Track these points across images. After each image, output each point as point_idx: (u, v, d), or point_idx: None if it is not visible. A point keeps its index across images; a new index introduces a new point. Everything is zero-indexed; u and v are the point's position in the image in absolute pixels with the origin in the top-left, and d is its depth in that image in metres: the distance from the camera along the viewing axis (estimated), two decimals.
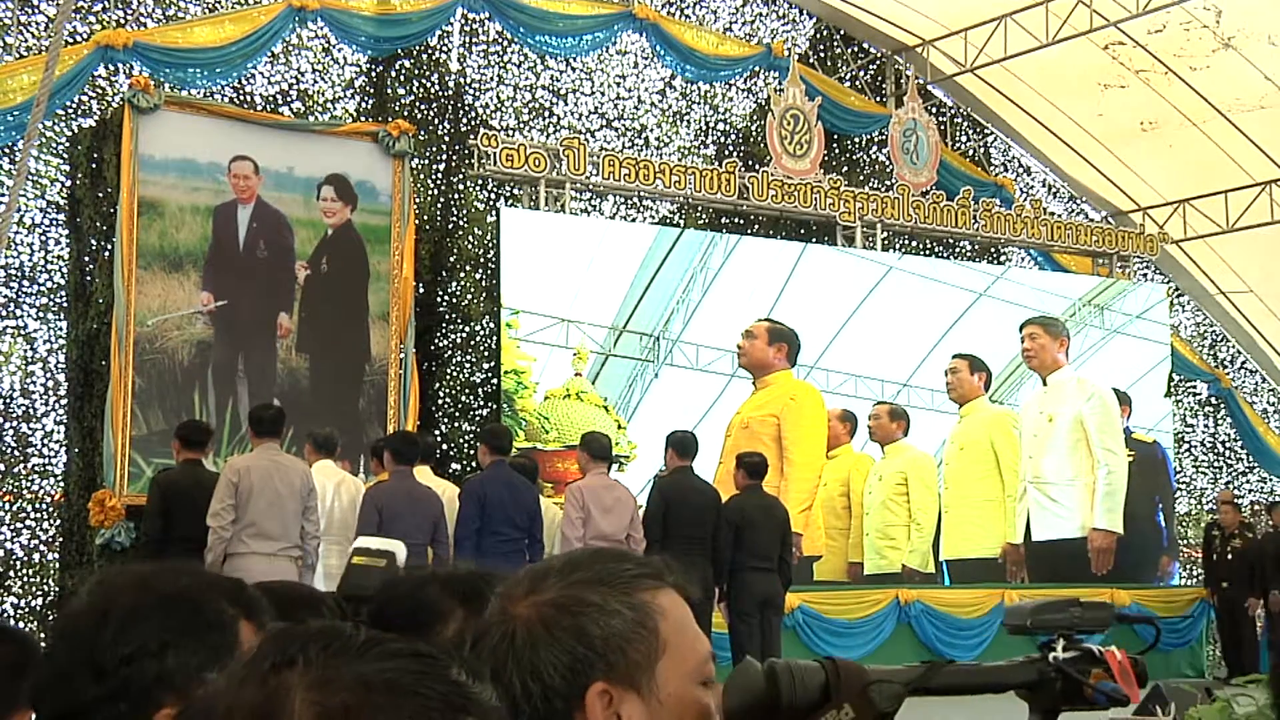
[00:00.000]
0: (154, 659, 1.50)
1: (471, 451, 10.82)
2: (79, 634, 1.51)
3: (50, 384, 10.08)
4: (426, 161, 11.76)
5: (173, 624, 1.52)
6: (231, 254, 10.36)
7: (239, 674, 0.95)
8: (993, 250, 14.58)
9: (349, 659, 0.94)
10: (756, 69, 13.43)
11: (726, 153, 13.11)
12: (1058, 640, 1.65)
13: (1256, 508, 15.60)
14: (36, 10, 10.25)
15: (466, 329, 11.78)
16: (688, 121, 13.32)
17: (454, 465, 11.36)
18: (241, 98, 10.90)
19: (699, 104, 13.37)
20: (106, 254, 9.98)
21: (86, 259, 10.13)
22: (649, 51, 12.90)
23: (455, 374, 11.72)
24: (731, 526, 8.65)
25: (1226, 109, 14.09)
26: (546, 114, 12.52)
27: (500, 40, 12.28)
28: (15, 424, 9.95)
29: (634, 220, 12.68)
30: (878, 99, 14.36)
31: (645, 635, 1.39)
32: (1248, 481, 16.53)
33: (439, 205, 11.84)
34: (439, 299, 11.77)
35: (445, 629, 1.91)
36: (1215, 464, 16.43)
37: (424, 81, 11.91)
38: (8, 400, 9.93)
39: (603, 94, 12.84)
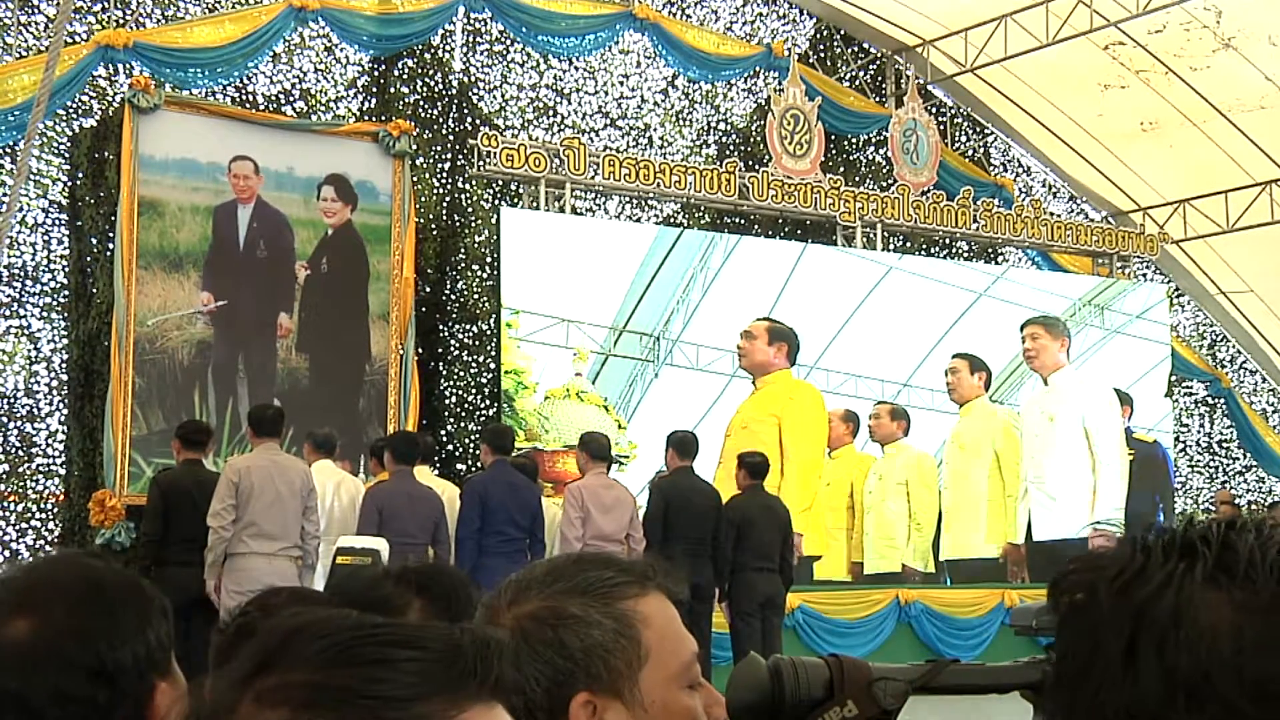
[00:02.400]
0: (139, 642, 1.50)
1: (477, 451, 10.82)
2: (63, 644, 1.46)
3: (54, 384, 10.09)
4: (431, 160, 11.77)
5: (133, 605, 1.53)
6: (231, 254, 10.37)
7: (217, 677, 0.91)
8: (990, 250, 14.58)
9: (317, 660, 0.87)
10: (757, 69, 13.44)
11: (727, 153, 13.11)
12: None
13: (1254, 507, 15.61)
14: (36, 10, 10.25)
15: (473, 328, 11.79)
16: (690, 121, 13.32)
17: (459, 465, 11.37)
18: (244, 97, 10.90)
19: (701, 104, 13.37)
20: (107, 254, 9.99)
21: (87, 259, 10.14)
22: (651, 51, 12.91)
23: (461, 373, 11.73)
24: (733, 527, 8.65)
25: (1226, 109, 14.09)
26: (550, 113, 12.52)
27: (503, 39, 12.29)
28: (20, 424, 9.96)
29: (635, 220, 12.68)
30: (878, 99, 14.36)
31: (627, 644, 1.39)
32: (1244, 481, 16.54)
33: (444, 205, 11.86)
34: (445, 298, 11.78)
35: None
36: (1211, 464, 16.44)
37: (427, 80, 11.92)
38: (12, 400, 9.93)
39: (606, 93, 12.84)
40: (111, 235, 9.97)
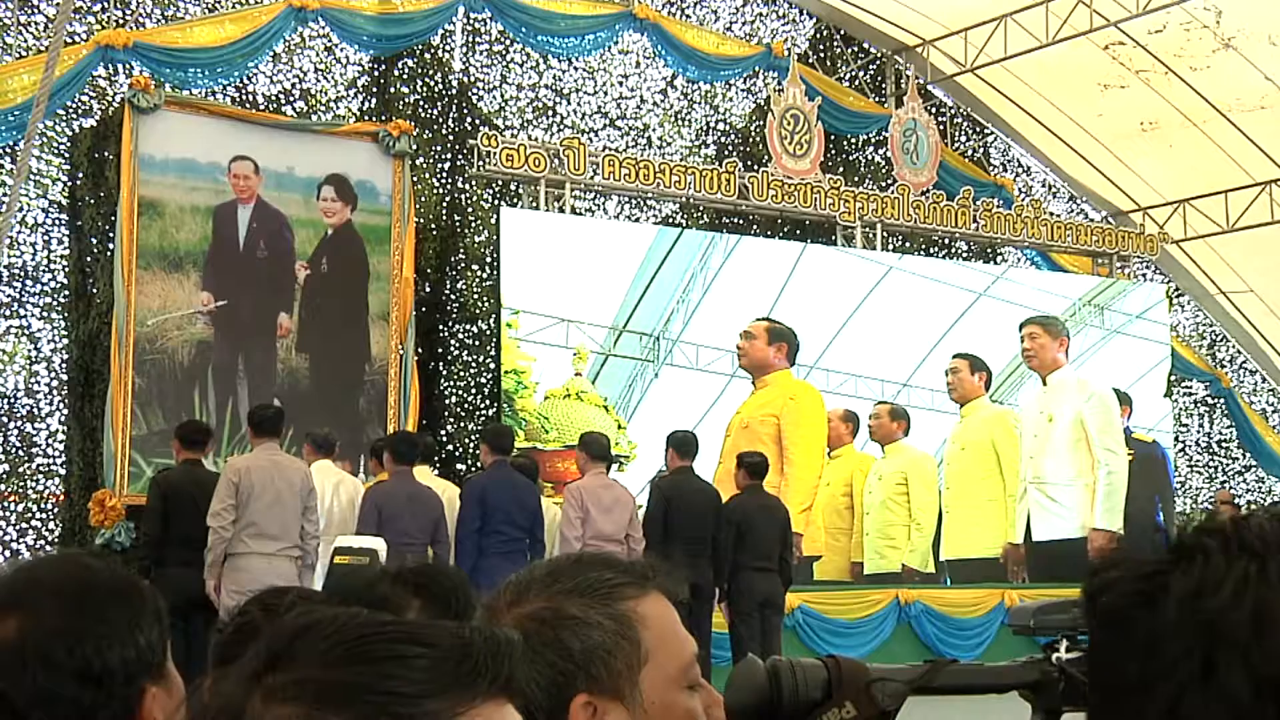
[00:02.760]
0: (128, 645, 1.50)
1: (477, 451, 10.83)
2: (50, 644, 1.44)
3: (55, 383, 10.09)
4: (431, 160, 11.78)
5: (125, 607, 1.52)
6: (231, 254, 10.37)
7: (223, 675, 0.91)
8: (990, 250, 14.58)
9: (326, 658, 0.87)
10: (756, 69, 13.43)
11: (727, 153, 13.11)
12: (1061, 641, 1.65)
13: (1254, 507, 15.59)
14: (36, 10, 10.26)
15: (474, 328, 11.80)
16: (689, 121, 13.33)
17: (459, 465, 11.37)
18: (244, 97, 10.91)
19: (700, 104, 13.37)
20: (107, 254, 10.00)
21: (87, 259, 10.14)
22: (650, 51, 12.91)
23: (461, 373, 11.74)
24: (732, 526, 8.66)
25: (1226, 109, 14.09)
26: (550, 113, 12.53)
27: (503, 39, 12.29)
28: (20, 424, 9.96)
29: (635, 220, 12.68)
30: (878, 99, 14.36)
31: (627, 645, 1.39)
32: (1244, 481, 16.54)
33: (444, 205, 11.86)
34: (445, 298, 11.79)
35: None
36: (1211, 464, 16.43)
37: (427, 80, 11.93)
38: (12, 400, 9.93)
39: (605, 93, 12.85)
40: (111, 235, 9.97)
